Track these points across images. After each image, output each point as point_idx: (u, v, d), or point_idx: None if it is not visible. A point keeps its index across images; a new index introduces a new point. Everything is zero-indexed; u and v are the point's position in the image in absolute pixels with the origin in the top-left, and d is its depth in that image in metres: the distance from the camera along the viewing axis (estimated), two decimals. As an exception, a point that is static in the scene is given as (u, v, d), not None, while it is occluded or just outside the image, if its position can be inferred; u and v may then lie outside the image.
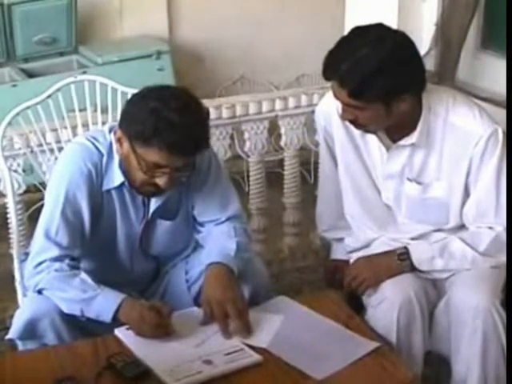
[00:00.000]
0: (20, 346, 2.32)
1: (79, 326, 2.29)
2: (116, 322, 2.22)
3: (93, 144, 2.35)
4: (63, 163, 2.39)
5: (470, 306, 2.29)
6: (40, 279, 2.28)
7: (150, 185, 2.26)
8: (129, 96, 2.43)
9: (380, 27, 2.29)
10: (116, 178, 2.34)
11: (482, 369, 2.32)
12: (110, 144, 2.34)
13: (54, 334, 2.25)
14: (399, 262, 2.43)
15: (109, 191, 2.37)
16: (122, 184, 2.35)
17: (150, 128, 2.14)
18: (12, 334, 2.30)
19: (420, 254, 2.43)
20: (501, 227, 2.40)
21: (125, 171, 2.31)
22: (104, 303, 2.21)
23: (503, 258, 2.37)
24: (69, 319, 2.26)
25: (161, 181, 2.23)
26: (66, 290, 2.24)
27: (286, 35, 5.17)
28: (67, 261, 2.29)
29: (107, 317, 2.20)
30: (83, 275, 2.27)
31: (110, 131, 2.37)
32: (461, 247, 2.42)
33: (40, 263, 2.29)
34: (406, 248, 2.45)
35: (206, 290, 2.29)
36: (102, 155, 2.34)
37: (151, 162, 2.19)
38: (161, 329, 2.19)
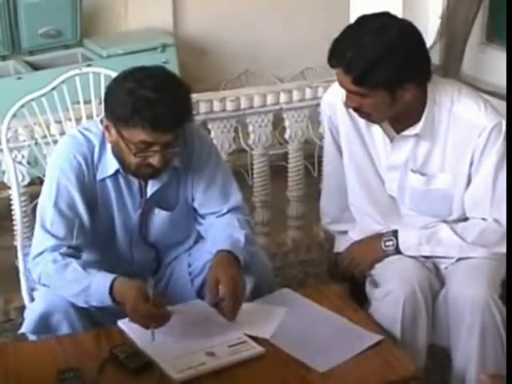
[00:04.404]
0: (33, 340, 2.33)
1: (92, 317, 2.30)
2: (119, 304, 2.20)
3: (83, 135, 2.37)
4: (54, 156, 2.42)
5: (467, 299, 2.30)
6: (39, 272, 2.30)
7: (145, 166, 2.27)
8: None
9: (386, 16, 2.31)
10: (110, 166, 2.35)
11: (481, 362, 2.32)
12: (103, 133, 2.35)
13: (69, 326, 2.26)
14: (384, 246, 2.48)
15: (103, 180, 2.38)
16: (117, 171, 2.36)
17: (129, 109, 2.17)
18: (25, 328, 2.30)
19: (407, 240, 2.47)
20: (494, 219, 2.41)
21: (118, 158, 2.33)
22: (99, 289, 2.21)
23: (494, 249, 2.39)
24: (82, 311, 2.27)
25: (154, 160, 2.24)
26: (64, 287, 2.25)
27: (290, 29, 5.16)
28: (63, 249, 2.30)
29: (108, 300, 2.20)
30: (74, 264, 2.26)
31: (102, 121, 2.38)
32: (449, 235, 2.44)
33: (37, 255, 2.31)
34: (394, 232, 2.49)
35: (214, 270, 2.28)
36: (94, 146, 2.36)
37: (138, 142, 2.21)
38: (156, 317, 2.16)
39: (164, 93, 2.18)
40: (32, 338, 2.32)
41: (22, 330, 2.32)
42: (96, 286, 2.21)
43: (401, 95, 2.28)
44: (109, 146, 2.34)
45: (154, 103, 2.16)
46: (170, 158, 2.29)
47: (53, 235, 2.31)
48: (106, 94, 2.29)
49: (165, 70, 2.32)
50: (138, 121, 2.17)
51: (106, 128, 2.28)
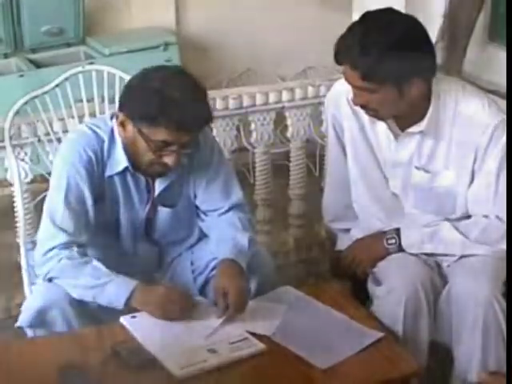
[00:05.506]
0: (29, 333, 2.34)
1: (90, 314, 2.30)
2: (128, 308, 2.23)
3: (93, 131, 2.37)
4: (64, 151, 2.41)
5: (470, 296, 2.30)
6: (51, 267, 2.30)
7: (158, 164, 2.29)
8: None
9: (390, 11, 2.33)
10: (119, 163, 2.36)
11: (483, 360, 2.32)
12: (112, 130, 2.36)
13: (64, 322, 2.27)
14: (386, 244, 2.49)
15: (111, 177, 2.38)
16: (126, 169, 2.36)
17: (156, 108, 2.18)
18: (22, 321, 2.31)
19: (410, 238, 2.48)
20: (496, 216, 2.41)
21: (130, 154, 2.33)
22: (116, 290, 2.23)
23: (497, 247, 2.40)
24: (79, 308, 2.28)
25: (169, 160, 2.26)
26: (77, 277, 2.26)
27: (292, 27, 5.16)
28: (76, 248, 2.31)
29: (119, 303, 2.22)
30: (95, 262, 2.29)
31: (111, 118, 2.38)
32: (451, 233, 2.45)
33: (48, 250, 2.31)
34: (397, 230, 2.49)
35: (221, 280, 2.30)
36: (103, 141, 2.36)
37: (159, 140, 2.22)
38: (185, 311, 2.22)
39: (189, 93, 2.21)
40: (29, 332, 2.33)
41: (19, 323, 2.33)
42: (115, 286, 2.23)
43: (408, 90, 2.30)
44: (118, 143, 2.34)
45: (181, 104, 2.17)
46: (183, 157, 2.30)
47: (63, 230, 2.31)
48: (126, 91, 2.29)
49: (183, 69, 2.34)
50: (163, 121, 2.18)
51: (122, 124, 2.28)
